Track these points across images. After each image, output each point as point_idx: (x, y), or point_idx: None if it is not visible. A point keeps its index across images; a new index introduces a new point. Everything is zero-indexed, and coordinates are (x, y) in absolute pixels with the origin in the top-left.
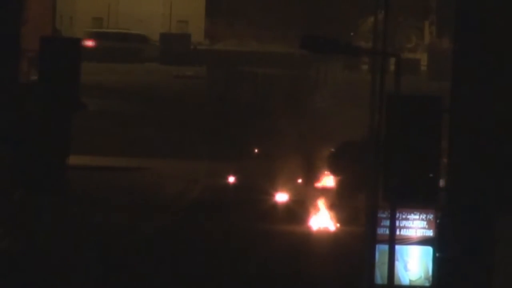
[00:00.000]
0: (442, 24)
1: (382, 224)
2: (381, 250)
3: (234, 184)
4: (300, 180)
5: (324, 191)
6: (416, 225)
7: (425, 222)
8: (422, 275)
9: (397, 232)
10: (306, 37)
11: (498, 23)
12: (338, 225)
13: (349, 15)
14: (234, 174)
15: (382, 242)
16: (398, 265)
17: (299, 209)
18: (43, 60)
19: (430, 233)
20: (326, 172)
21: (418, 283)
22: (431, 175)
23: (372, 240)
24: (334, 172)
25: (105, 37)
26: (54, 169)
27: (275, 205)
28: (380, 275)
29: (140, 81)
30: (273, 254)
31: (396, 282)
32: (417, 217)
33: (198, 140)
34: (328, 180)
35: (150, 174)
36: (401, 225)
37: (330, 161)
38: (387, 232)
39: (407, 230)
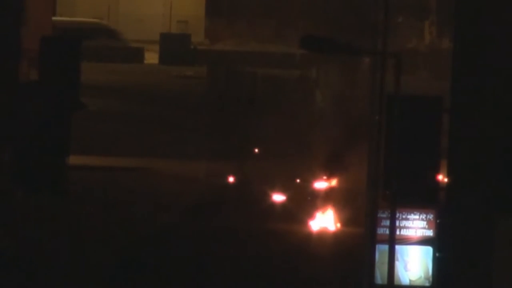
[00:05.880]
0: (442, 24)
1: (382, 224)
2: (381, 250)
3: (233, 184)
4: (298, 180)
5: (323, 191)
6: (416, 225)
7: (425, 222)
8: (422, 275)
9: (397, 232)
10: (306, 37)
11: (497, 23)
12: (338, 225)
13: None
14: (233, 174)
15: (382, 242)
16: (398, 265)
17: (297, 209)
18: (43, 60)
19: (430, 233)
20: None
21: (418, 283)
22: (431, 175)
23: (372, 240)
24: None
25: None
26: (54, 169)
27: (274, 205)
28: (380, 275)
29: (140, 81)
30: (273, 254)
31: (396, 282)
32: (417, 217)
33: (198, 140)
34: (326, 180)
35: (150, 174)
36: (401, 225)
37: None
38: (387, 232)
39: (407, 230)
